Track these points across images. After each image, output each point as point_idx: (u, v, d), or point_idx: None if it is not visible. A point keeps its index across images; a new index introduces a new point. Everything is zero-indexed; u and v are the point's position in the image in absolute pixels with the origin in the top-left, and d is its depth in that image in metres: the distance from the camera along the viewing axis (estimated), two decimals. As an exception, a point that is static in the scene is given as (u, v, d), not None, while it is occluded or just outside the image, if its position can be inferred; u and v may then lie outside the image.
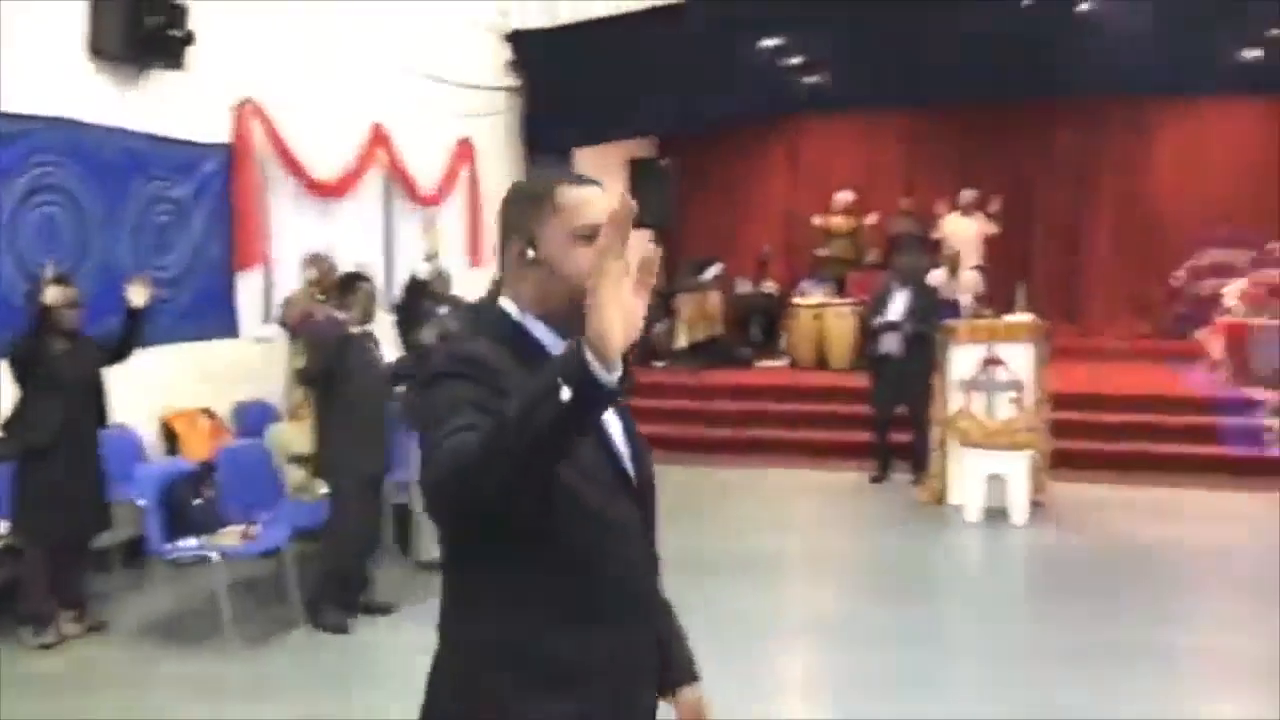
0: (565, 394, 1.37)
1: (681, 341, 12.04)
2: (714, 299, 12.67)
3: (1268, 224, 11.80)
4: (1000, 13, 9.13)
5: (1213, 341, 10.69)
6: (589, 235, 1.67)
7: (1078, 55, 9.41)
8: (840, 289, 12.53)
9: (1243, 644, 5.37)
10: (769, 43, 10.27)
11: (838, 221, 12.99)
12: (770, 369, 12.00)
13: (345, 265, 6.79)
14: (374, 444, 5.49)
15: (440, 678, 1.75)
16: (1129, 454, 8.88)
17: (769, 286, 13.20)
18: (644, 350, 11.94)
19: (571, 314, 1.65)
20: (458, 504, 1.52)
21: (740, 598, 5.89)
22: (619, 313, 1.38)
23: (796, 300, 12.37)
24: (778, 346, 12.59)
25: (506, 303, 1.75)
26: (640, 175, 11.47)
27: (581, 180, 1.75)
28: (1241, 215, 12.56)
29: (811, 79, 10.65)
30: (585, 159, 11.35)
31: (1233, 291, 11.13)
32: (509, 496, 1.48)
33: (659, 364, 12.01)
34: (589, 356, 1.37)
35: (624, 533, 1.72)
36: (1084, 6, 9.30)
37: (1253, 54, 9.30)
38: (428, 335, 6.02)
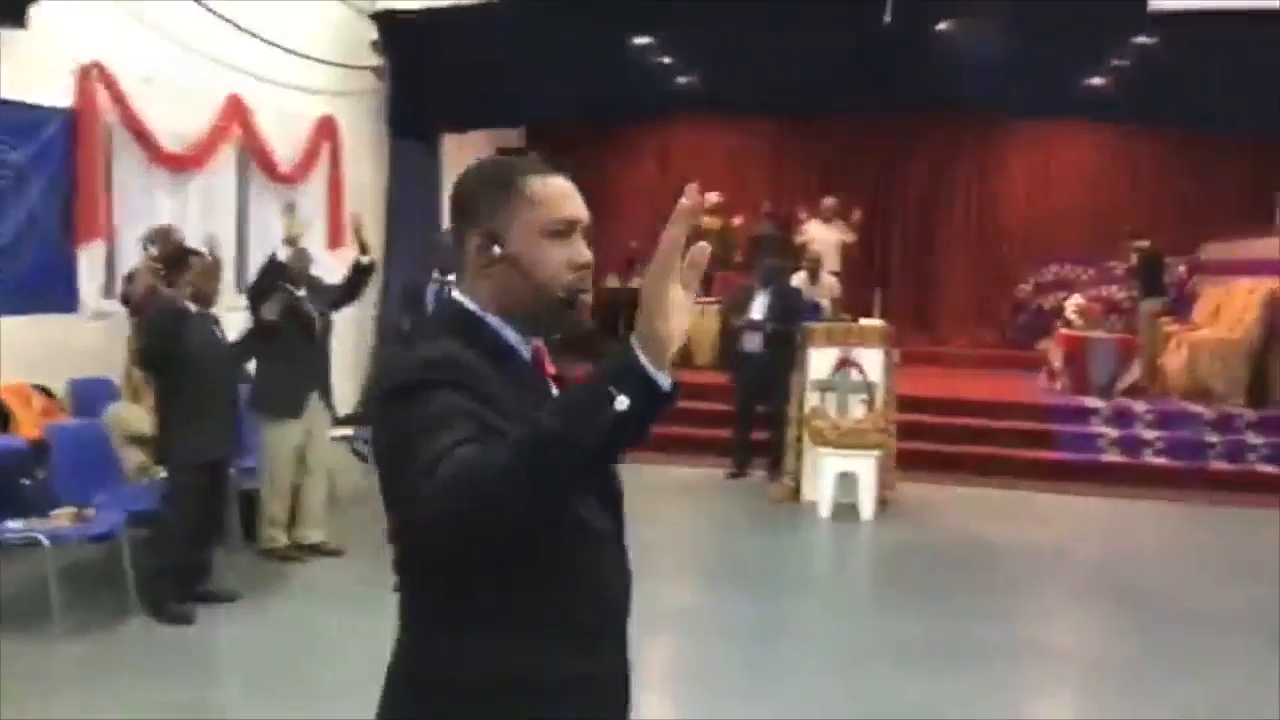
0: (622, 403, 1.28)
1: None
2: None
3: (1106, 243, 12.48)
4: (864, 29, 9.40)
5: (1053, 352, 11.24)
6: (562, 231, 1.58)
7: (935, 73, 9.77)
8: (707, 288, 12.66)
9: (1075, 641, 5.67)
10: (642, 40, 10.33)
11: (706, 221, 13.11)
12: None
13: (195, 241, 6.52)
14: (216, 428, 5.26)
15: (402, 710, 1.60)
16: (972, 456, 9.25)
17: (638, 283, 13.23)
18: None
19: (538, 314, 1.59)
20: (475, 530, 1.35)
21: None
22: (677, 314, 1.30)
23: (663, 298, 12.44)
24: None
25: (462, 297, 1.61)
26: (509, 166, 11.33)
27: (551, 169, 1.63)
28: (1083, 234, 13.28)
29: (684, 80, 10.77)
30: (451, 146, 11.20)
31: (1072, 305, 11.74)
32: (539, 518, 1.35)
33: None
34: (645, 361, 1.28)
35: (601, 543, 1.63)
36: (941, 27, 9.66)
37: (1097, 82, 9.81)
38: (269, 311, 5.81)
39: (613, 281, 13.28)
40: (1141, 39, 9.37)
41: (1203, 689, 4.87)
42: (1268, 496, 8.67)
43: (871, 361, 8.19)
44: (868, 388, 8.10)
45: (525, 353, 1.61)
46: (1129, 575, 6.77)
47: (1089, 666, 5.31)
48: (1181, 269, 12.33)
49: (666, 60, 10.59)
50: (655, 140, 14.78)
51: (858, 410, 8.02)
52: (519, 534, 1.38)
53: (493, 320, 1.59)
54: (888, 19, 9.30)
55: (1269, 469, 9.13)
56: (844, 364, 8.18)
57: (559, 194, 1.60)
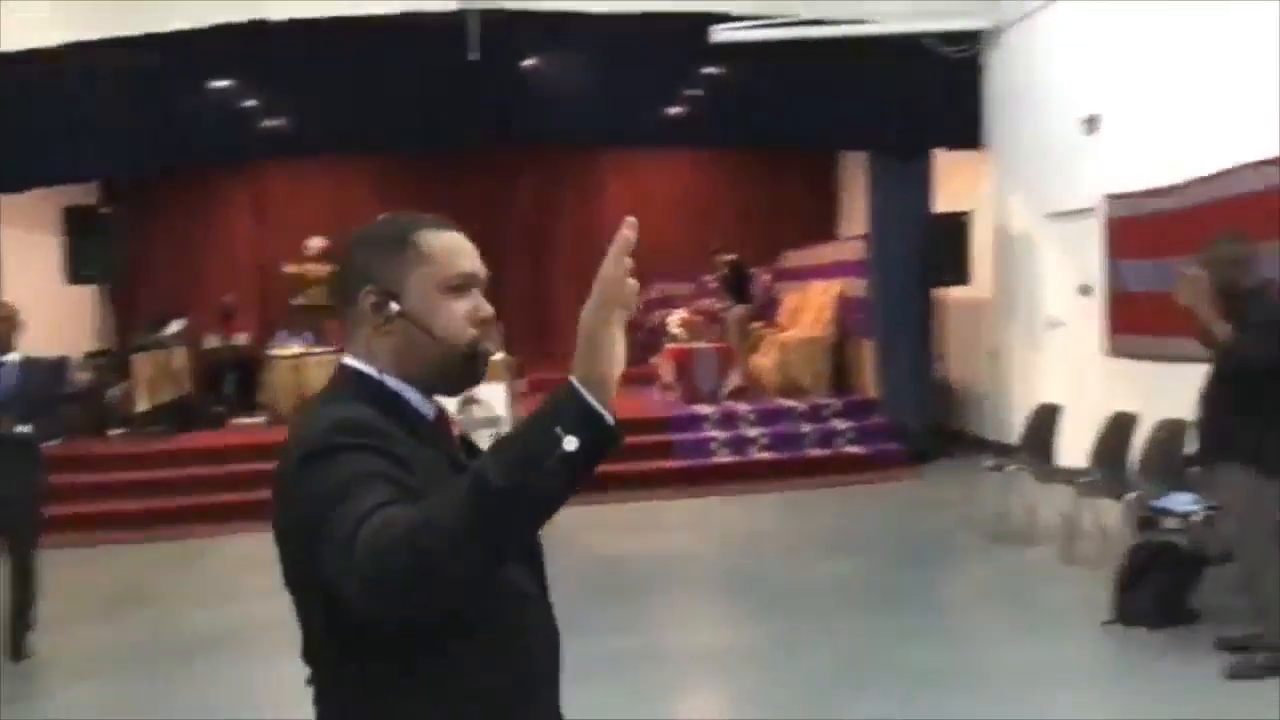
0: (570, 444, 1.24)
1: (143, 405, 11.01)
2: (179, 356, 11.76)
3: (700, 259, 13.39)
4: (452, 66, 9.46)
5: (664, 366, 11.87)
6: (460, 285, 1.56)
7: (528, 107, 10.04)
8: (320, 337, 12.20)
9: (706, 638, 5.96)
10: (221, 83, 9.78)
11: (312, 268, 12.63)
12: (247, 426, 11.33)
13: None
14: None
15: None
16: (605, 474, 9.48)
17: (240, 339, 12.51)
18: (98, 418, 10.84)
19: (441, 370, 1.55)
20: (413, 592, 1.26)
21: (230, 667, 5.43)
22: (617, 353, 1.29)
23: (274, 352, 11.85)
24: (254, 401, 11.94)
25: (357, 362, 1.56)
26: (80, 225, 10.25)
27: (443, 224, 1.61)
28: (679, 252, 14.15)
29: (272, 123, 10.30)
30: (9, 207, 10.00)
31: (675, 320, 12.47)
32: (484, 573, 1.29)
33: (116, 431, 10.94)
34: (592, 400, 1.25)
35: (526, 604, 1.60)
36: (529, 63, 9.94)
37: (675, 110, 10.51)
38: None
39: (212, 340, 12.48)
40: (709, 69, 10.15)
41: (819, 664, 5.28)
42: (856, 474, 9.69)
43: (495, 396, 8.22)
44: (494, 422, 8.12)
45: (429, 414, 1.58)
46: (746, 566, 7.26)
47: (718, 660, 5.61)
48: (765, 277, 13.49)
49: (251, 103, 10.09)
50: (249, 187, 14.08)
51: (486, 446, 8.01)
52: (461, 592, 1.32)
53: (392, 383, 1.54)
54: (474, 56, 9.43)
55: (855, 449, 10.16)
56: (468, 402, 8.15)
57: (456, 248, 1.59)
